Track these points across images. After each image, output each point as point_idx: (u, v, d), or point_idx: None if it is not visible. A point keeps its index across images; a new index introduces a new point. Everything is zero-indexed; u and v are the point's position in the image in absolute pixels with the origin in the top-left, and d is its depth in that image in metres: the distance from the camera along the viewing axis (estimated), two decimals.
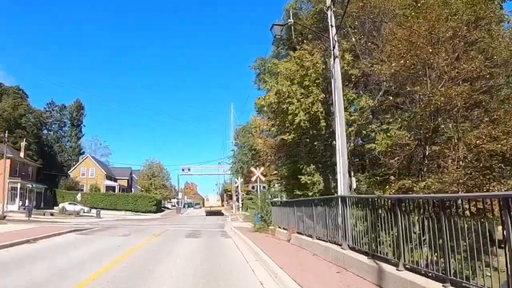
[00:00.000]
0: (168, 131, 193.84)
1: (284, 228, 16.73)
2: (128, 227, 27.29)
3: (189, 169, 45.43)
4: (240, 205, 47.31)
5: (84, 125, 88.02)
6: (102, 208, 59.58)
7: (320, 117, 18.10)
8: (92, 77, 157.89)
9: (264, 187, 40.65)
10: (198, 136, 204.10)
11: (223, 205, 77.74)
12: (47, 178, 66.24)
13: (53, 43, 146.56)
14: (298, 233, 13.90)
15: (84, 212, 53.44)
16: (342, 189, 12.44)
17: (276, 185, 64.27)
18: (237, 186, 47.36)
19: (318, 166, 20.04)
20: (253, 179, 38.51)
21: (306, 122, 18.20)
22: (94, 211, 50.69)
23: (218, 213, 55.60)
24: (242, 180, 48.35)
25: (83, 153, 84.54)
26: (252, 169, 40.55)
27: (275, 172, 60.86)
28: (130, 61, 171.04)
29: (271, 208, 21.25)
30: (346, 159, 12.96)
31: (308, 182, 19.17)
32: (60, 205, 56.01)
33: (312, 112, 18.07)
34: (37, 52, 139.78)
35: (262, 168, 42.15)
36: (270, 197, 27.07)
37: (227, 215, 52.89)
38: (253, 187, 34.17)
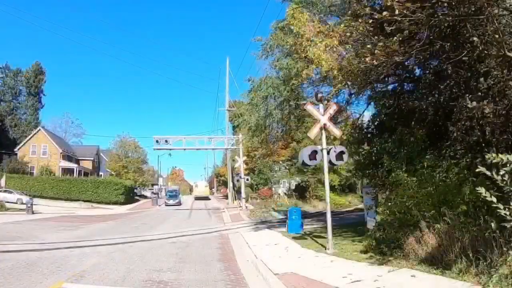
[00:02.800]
0: (151, 100, 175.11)
1: None
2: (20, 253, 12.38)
3: (166, 141, 30.37)
4: (243, 195, 32.57)
5: (44, 94, 71.70)
6: (52, 198, 44.42)
7: None
8: (54, 37, 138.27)
9: (247, 179, 30.15)
10: (186, 108, 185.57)
11: (212, 193, 66.73)
12: None
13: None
14: None
15: (22, 203, 37.80)
16: None
17: (283, 168, 49.20)
18: (238, 166, 32.68)
19: None
20: (236, 165, 32.21)
21: None
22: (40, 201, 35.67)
23: (206, 198, 60.85)
24: (245, 156, 33.60)
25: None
26: (237, 157, 30.77)
27: (282, 149, 45.84)
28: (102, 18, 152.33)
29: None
30: None
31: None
32: None
33: None
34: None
35: (244, 158, 33.39)
36: None
37: (221, 208, 38.03)
38: (237, 180, 29.63)
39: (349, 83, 11.72)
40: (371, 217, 14.20)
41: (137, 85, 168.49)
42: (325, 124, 11.08)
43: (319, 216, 31.94)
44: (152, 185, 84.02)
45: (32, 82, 69.81)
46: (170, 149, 32.67)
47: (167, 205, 44.98)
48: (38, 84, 70.83)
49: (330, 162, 11.44)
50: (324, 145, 11.23)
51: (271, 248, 12.26)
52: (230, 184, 42.55)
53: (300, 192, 51.51)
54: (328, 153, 11.26)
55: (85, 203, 43.66)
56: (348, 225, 19.01)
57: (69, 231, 18.83)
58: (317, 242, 12.82)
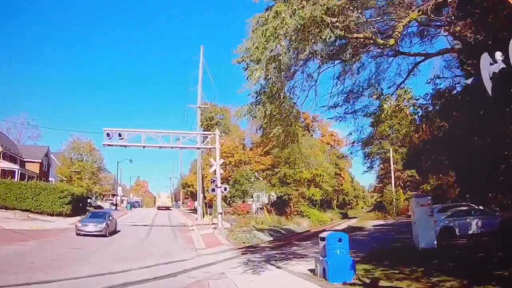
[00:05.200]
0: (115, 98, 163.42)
1: None
2: None
3: (120, 135, 22.98)
4: (220, 209, 25.25)
5: None
6: None
7: None
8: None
9: (225, 188, 26.28)
10: (155, 107, 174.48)
11: (178, 207, 72.31)
12: None
13: None
14: None
15: None
16: None
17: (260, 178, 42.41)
18: (213, 171, 25.42)
19: None
20: (210, 170, 27.06)
21: None
22: None
23: (168, 208, 63.03)
24: (223, 159, 26.77)
25: None
26: (211, 160, 26.27)
27: (262, 155, 39.28)
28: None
29: None
30: None
31: None
32: None
33: None
34: None
35: (222, 160, 27.66)
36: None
37: (189, 225, 30.93)
38: (213, 190, 25.63)
39: None
40: (427, 234, 14.59)
41: (101, 87, 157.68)
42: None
43: (314, 237, 25.80)
44: (113, 195, 76.17)
45: None
46: (125, 146, 25.31)
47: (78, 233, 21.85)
48: None
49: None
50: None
51: None
52: (200, 196, 35.39)
53: (280, 207, 45.14)
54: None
55: (22, 213, 35.23)
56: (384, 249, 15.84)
57: None
58: None
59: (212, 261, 14.16)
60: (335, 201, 74.57)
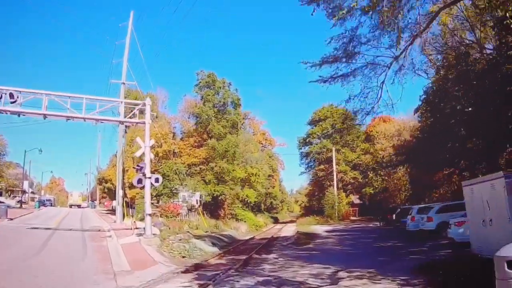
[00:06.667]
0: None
1: None
2: None
3: (12, 96, 14.36)
4: (148, 209, 17.00)
5: None
6: None
7: None
8: None
9: (157, 179, 17.96)
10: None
11: (94, 207, 65.44)
12: None
13: None
14: None
15: None
16: None
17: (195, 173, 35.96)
18: (141, 154, 17.43)
19: None
20: (137, 154, 19.10)
21: None
22: None
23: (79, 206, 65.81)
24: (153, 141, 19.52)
25: None
26: (138, 140, 18.60)
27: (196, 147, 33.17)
28: None
29: None
30: None
31: None
32: None
33: None
34: None
35: (153, 142, 20.01)
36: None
37: (106, 230, 22.58)
38: (139, 181, 17.52)
39: None
40: None
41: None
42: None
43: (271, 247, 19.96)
44: (24, 192, 67.56)
45: None
46: (19, 114, 16.51)
47: None
48: None
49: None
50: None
51: None
52: (120, 192, 26.74)
53: (213, 209, 38.02)
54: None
55: None
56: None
57: None
58: None
59: None
60: (263, 205, 69.48)
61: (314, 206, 62.55)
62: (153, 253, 14.74)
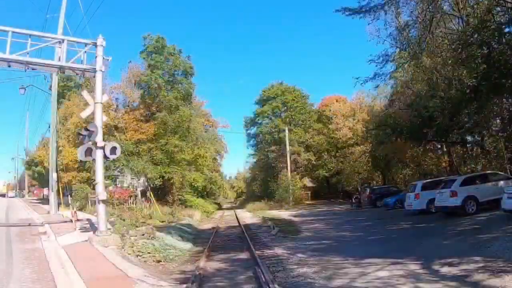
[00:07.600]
0: None
1: None
2: None
3: None
4: (102, 194, 11.99)
5: None
6: None
7: None
8: None
9: (113, 149, 12.64)
10: None
11: (22, 196, 63.10)
12: None
13: None
14: None
15: None
16: None
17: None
18: (90, 114, 12.17)
19: None
20: (84, 114, 14.06)
21: None
22: None
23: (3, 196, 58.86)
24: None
25: None
26: (85, 94, 13.67)
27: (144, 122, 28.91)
28: None
29: None
30: None
31: None
32: None
33: None
34: None
35: (107, 97, 15.16)
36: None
37: (39, 223, 16.78)
38: (88, 151, 12.27)
39: None
40: None
41: None
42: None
43: (257, 239, 16.14)
44: None
45: None
46: None
47: None
48: None
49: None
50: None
51: None
52: (54, 175, 20.20)
53: (160, 193, 32.91)
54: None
55: None
56: None
57: None
58: None
59: None
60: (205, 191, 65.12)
61: (257, 191, 59.47)
62: (115, 259, 9.98)
